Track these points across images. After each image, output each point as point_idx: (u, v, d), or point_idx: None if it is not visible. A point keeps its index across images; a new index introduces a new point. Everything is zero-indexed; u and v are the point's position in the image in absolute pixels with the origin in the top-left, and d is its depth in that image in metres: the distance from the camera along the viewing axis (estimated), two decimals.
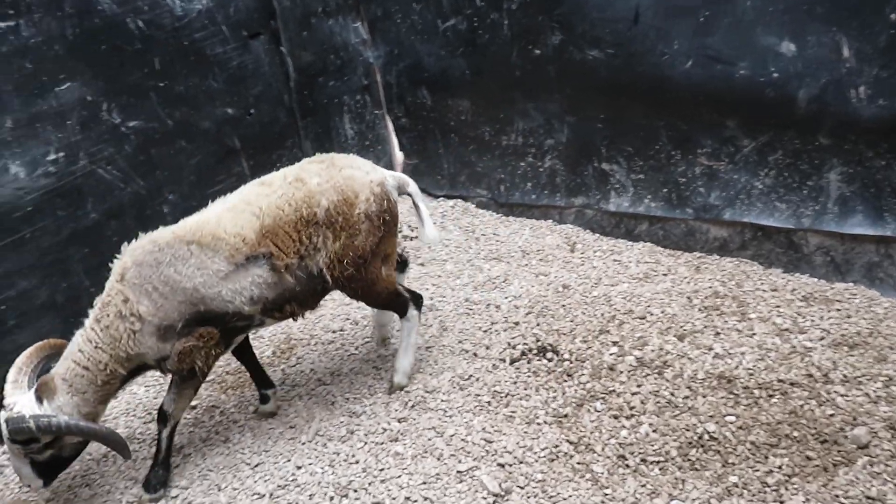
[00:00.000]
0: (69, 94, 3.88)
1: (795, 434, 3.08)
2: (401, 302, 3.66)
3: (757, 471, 2.95)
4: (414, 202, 3.67)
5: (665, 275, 4.48)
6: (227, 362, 4.28)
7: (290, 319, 3.45)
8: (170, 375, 3.30)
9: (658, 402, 3.37)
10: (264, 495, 3.21)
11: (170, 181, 4.52)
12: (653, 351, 3.70)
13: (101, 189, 4.12)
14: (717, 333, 3.80)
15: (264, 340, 4.44)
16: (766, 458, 3.00)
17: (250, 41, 4.94)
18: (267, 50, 5.09)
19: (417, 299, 3.75)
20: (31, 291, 3.85)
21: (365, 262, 3.35)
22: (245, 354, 3.71)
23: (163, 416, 3.27)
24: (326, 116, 5.71)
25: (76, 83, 3.90)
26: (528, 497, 2.99)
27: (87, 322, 3.10)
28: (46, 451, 3.05)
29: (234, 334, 3.31)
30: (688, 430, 3.18)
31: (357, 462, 3.30)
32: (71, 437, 3.08)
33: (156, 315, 3.03)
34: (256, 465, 3.40)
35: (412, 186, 3.65)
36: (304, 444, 3.48)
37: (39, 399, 3.00)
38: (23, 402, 2.97)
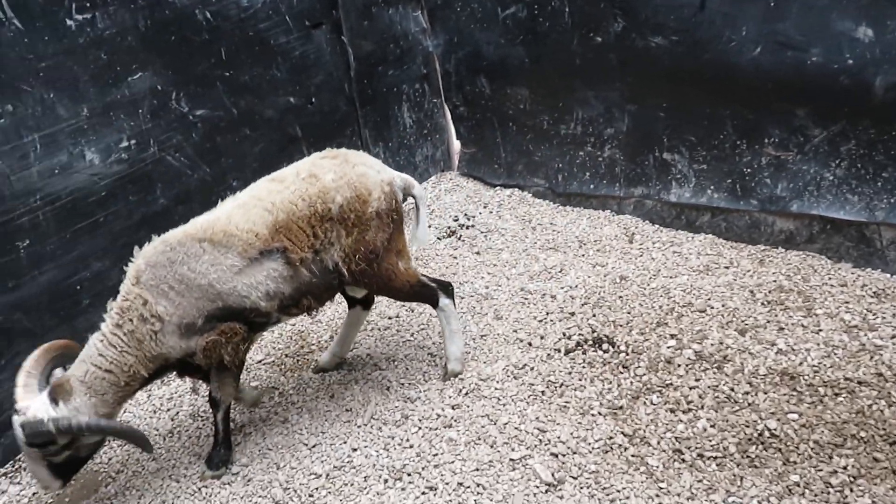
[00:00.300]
0: (141, 84, 4.02)
1: (862, 434, 2.97)
2: (428, 293, 3.66)
3: (820, 471, 2.86)
4: (416, 204, 3.67)
5: (727, 267, 4.37)
6: (286, 345, 4.40)
7: (307, 315, 3.48)
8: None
9: (717, 397, 3.31)
10: (321, 475, 3.29)
11: (234, 168, 4.65)
12: (712, 345, 3.62)
13: (169, 175, 4.27)
14: (781, 329, 3.69)
15: (322, 325, 4.53)
16: (831, 457, 2.91)
17: (312, 31, 5.02)
18: (328, 39, 5.16)
19: (446, 287, 3.74)
20: (103, 273, 4.02)
21: (377, 258, 3.38)
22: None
23: (213, 402, 3.38)
24: (385, 105, 5.77)
25: (147, 73, 4.05)
26: (581, 487, 2.99)
27: (106, 327, 3.09)
28: (63, 453, 3.04)
29: (254, 330, 3.33)
30: (747, 426, 3.11)
31: (411, 446, 3.35)
32: (88, 437, 3.10)
33: (174, 314, 3.05)
34: (314, 446, 3.49)
35: (417, 189, 3.65)
36: (359, 427, 3.55)
37: (54, 401, 2.97)
38: (37, 405, 2.95)
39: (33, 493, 3.56)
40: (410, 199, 3.69)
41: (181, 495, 3.36)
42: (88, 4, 3.73)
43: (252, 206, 3.17)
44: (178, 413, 3.97)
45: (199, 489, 3.36)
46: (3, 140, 3.46)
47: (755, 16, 4.14)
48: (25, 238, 3.63)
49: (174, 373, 3.38)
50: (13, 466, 3.72)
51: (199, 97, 4.36)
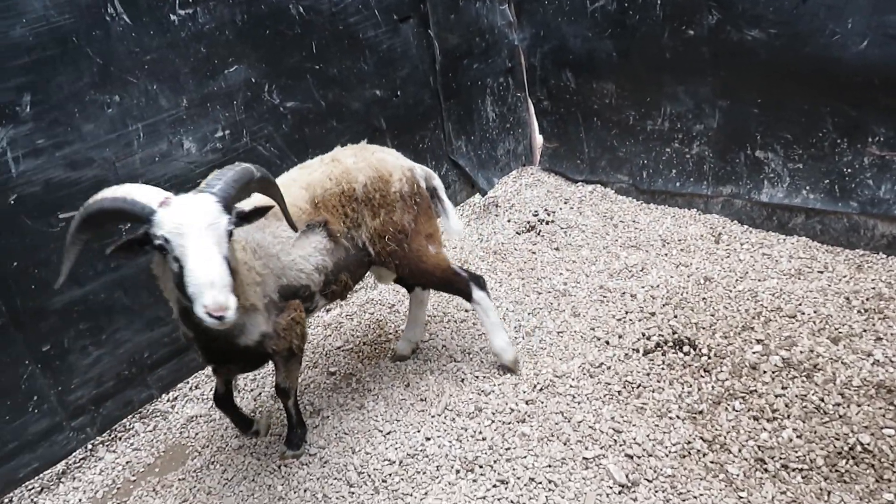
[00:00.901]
0: (236, 76, 4.19)
1: None
2: (460, 282, 3.64)
3: None
4: (438, 195, 3.71)
5: (821, 272, 4.16)
6: (364, 334, 4.50)
7: (341, 298, 3.52)
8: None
9: (805, 407, 3.16)
10: (394, 462, 3.35)
11: None
12: (802, 352, 3.46)
13: (259, 165, 4.42)
14: (879, 338, 3.49)
15: (399, 315, 4.61)
16: None
17: (400, 25, 5.09)
18: (415, 33, 5.21)
19: (478, 280, 3.71)
20: None
21: (406, 237, 3.45)
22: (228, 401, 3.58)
23: (283, 392, 3.38)
24: (469, 98, 5.78)
25: (242, 66, 4.21)
26: (656, 491, 2.92)
27: None
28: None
29: None
30: (837, 439, 2.96)
31: (484, 439, 3.37)
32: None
33: (263, 282, 2.97)
34: (388, 433, 3.56)
35: (437, 181, 3.71)
36: (433, 416, 3.59)
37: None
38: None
39: (126, 462, 3.79)
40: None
41: (261, 472, 3.50)
42: (191, 0, 3.90)
43: (289, 186, 3.22)
44: (260, 394, 4.13)
45: (279, 467, 3.49)
46: (110, 128, 3.68)
47: (863, 7, 3.91)
48: (128, 221, 3.84)
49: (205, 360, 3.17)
50: (109, 435, 3.97)
51: (289, 89, 4.50)
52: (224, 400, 3.51)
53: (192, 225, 2.35)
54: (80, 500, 3.60)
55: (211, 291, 2.30)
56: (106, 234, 3.68)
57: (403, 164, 3.54)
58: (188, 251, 2.34)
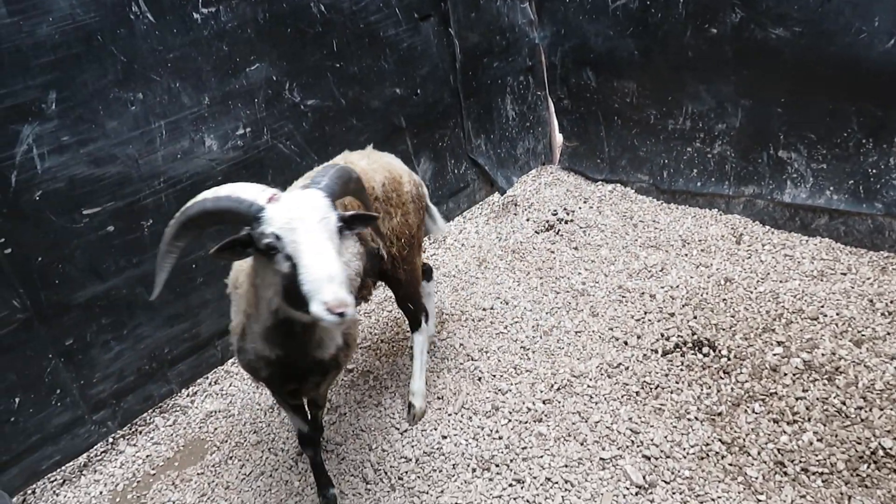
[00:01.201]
0: (257, 74, 4.21)
1: None
2: (421, 307, 3.73)
3: None
4: (425, 202, 3.77)
5: (844, 274, 4.10)
6: (382, 331, 4.51)
7: (365, 302, 3.51)
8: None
9: (826, 410, 3.12)
10: (411, 460, 3.36)
11: None
12: (823, 355, 3.42)
13: (280, 162, 4.46)
14: None
15: None
16: None
17: (420, 23, 5.09)
18: (436, 31, 5.21)
19: (426, 313, 3.82)
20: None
21: (414, 242, 3.47)
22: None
23: (318, 405, 3.25)
24: (489, 97, 5.77)
25: (264, 64, 4.23)
26: (674, 493, 2.91)
27: None
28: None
29: None
30: (859, 443, 2.92)
31: (500, 438, 3.37)
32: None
33: None
34: (405, 431, 3.57)
35: (424, 188, 3.73)
36: (450, 415, 3.60)
37: None
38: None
39: (146, 456, 3.84)
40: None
41: (279, 468, 3.53)
42: None
43: None
44: None
45: (296, 462, 3.52)
46: (133, 126, 3.73)
47: (890, 5, 3.85)
48: (149, 218, 3.89)
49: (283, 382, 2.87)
50: (130, 429, 4.02)
51: (310, 87, 4.52)
52: (313, 439, 3.18)
53: (304, 219, 2.20)
54: (100, 493, 3.65)
55: (331, 286, 2.11)
56: (129, 228, 3.73)
57: (407, 169, 3.55)
58: (303, 246, 2.17)
